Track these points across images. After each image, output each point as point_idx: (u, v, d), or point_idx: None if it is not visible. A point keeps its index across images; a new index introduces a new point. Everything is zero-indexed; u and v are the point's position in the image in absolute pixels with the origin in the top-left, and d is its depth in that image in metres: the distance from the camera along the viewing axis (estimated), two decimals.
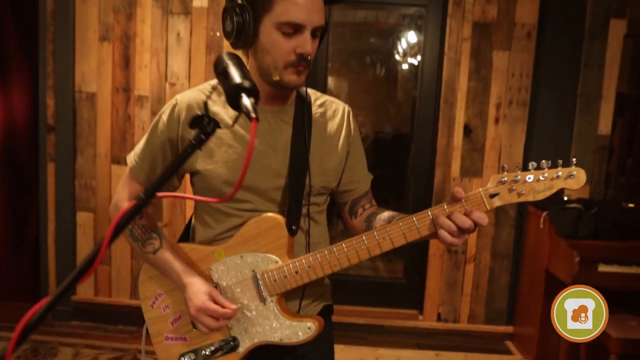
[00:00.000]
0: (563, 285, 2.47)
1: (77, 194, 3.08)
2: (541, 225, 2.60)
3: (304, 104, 1.22)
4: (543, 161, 1.00)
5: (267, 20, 1.07)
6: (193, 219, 1.32)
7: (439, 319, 3.12)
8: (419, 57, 3.20)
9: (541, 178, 1.00)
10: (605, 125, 2.91)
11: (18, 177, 3.36)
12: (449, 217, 1.02)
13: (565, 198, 2.66)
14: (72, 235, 3.10)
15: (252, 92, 0.90)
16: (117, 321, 3.13)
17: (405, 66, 3.28)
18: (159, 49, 2.95)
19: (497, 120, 2.93)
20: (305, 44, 1.07)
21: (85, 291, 3.16)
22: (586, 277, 2.23)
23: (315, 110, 1.25)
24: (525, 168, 1.01)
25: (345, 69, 3.35)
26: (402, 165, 3.53)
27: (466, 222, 1.00)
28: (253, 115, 0.85)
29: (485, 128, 2.94)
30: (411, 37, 3.22)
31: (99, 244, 0.80)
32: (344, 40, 3.34)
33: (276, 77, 1.10)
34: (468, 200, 1.03)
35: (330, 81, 3.21)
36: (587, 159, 2.92)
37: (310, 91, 1.26)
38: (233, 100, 0.90)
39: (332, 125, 1.25)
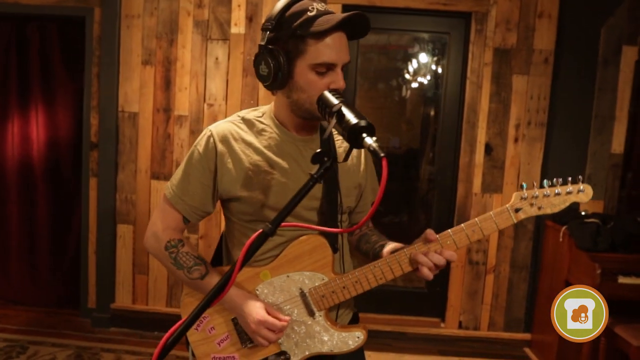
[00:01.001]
0: None
1: (118, 207, 3.25)
2: (560, 239, 2.77)
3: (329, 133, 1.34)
4: (555, 179, 1.16)
5: (300, 62, 1.15)
6: (227, 242, 1.37)
7: (460, 326, 3.28)
8: (428, 77, 3.38)
9: (556, 193, 1.17)
10: (618, 144, 3.09)
11: (61, 190, 3.54)
12: (425, 255, 1.17)
13: (583, 213, 2.83)
14: (112, 246, 3.27)
15: (370, 130, 0.97)
16: (154, 328, 3.29)
17: (418, 85, 3.46)
18: (199, 72, 3.14)
19: (516, 140, 3.12)
20: (339, 80, 1.16)
21: (123, 299, 3.32)
22: (607, 288, 2.39)
23: (337, 137, 1.34)
24: (541, 185, 1.18)
25: (363, 89, 3.53)
26: (413, 179, 3.70)
27: (441, 260, 1.16)
28: (382, 154, 0.91)
29: (505, 147, 3.12)
30: (422, 58, 3.39)
31: (230, 269, 0.90)
32: (365, 61, 3.52)
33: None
34: (456, 232, 1.19)
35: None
36: (601, 177, 3.09)
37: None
38: (354, 140, 0.97)
39: (352, 152, 1.34)
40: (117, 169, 3.23)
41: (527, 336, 3.24)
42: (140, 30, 3.12)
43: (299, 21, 1.13)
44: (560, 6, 3.01)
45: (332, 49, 1.14)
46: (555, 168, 3.06)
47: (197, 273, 1.26)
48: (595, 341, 2.54)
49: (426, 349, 3.22)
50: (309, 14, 1.14)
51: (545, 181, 1.18)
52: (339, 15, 1.14)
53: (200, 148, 1.26)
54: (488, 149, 3.13)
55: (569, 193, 1.17)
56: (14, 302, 3.57)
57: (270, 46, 1.15)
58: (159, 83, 3.16)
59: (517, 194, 1.18)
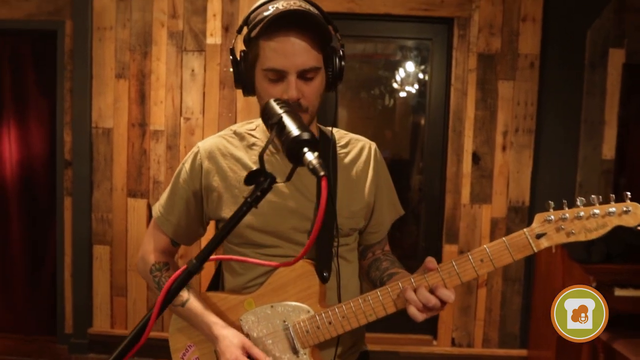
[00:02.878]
0: None
1: (94, 227, 3.12)
2: (553, 250, 2.63)
3: (329, 145, 1.18)
4: (593, 196, 0.94)
5: (257, 68, 1.06)
6: (222, 266, 1.29)
7: (453, 343, 3.14)
8: (416, 86, 3.28)
9: (593, 214, 0.93)
10: (609, 150, 2.99)
11: (34, 210, 3.40)
12: (415, 291, 0.99)
13: None
14: (88, 269, 3.13)
15: (313, 144, 0.81)
16: (134, 353, 3.13)
17: (402, 94, 3.36)
18: (174, 85, 3.04)
19: (504, 148, 3.01)
20: (289, 89, 1.03)
21: (101, 323, 3.18)
22: None
23: (340, 151, 1.21)
24: (571, 204, 0.95)
25: (345, 98, 3.42)
26: (403, 190, 3.56)
27: (430, 300, 0.97)
28: (322, 173, 0.77)
29: (493, 155, 3.02)
30: (405, 66, 3.29)
31: (148, 313, 0.78)
32: (348, 70, 3.42)
33: None
34: (458, 262, 1.01)
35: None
36: (593, 183, 2.98)
37: (334, 131, 1.22)
38: (294, 156, 0.82)
39: (358, 166, 1.21)
40: (92, 187, 3.11)
41: (523, 352, 3.10)
42: (113, 43, 3.02)
43: (253, 22, 1.04)
44: (545, 9, 2.92)
45: (279, 53, 1.01)
46: (545, 176, 2.96)
47: (178, 300, 1.16)
48: (594, 357, 2.41)
49: None
50: (265, 13, 1.02)
51: (579, 199, 0.94)
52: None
53: (187, 165, 1.19)
54: (475, 158, 3.02)
55: (610, 214, 0.93)
56: None
57: (236, 50, 1.09)
58: (134, 97, 3.05)
59: (541, 215, 0.96)
